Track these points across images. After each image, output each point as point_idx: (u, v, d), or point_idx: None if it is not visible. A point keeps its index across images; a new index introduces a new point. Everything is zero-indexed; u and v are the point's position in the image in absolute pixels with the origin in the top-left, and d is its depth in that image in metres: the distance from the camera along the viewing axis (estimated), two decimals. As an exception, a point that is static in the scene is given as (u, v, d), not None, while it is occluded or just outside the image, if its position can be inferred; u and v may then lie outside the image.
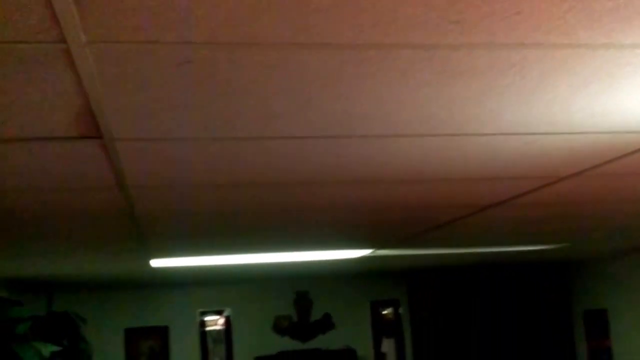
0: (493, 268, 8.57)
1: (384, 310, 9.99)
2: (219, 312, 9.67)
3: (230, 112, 1.92)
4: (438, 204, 3.73)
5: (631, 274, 7.64)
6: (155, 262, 5.91)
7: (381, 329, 9.91)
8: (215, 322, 9.68)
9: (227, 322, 9.63)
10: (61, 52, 1.47)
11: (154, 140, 2.18)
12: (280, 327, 9.66)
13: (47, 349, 6.73)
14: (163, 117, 1.94)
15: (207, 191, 3.02)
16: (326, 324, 9.72)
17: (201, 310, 9.60)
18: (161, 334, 9.42)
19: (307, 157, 2.50)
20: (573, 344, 8.77)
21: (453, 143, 2.42)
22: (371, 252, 6.08)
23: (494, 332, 8.74)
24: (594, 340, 8.37)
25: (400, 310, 9.76)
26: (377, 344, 9.85)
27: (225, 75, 1.65)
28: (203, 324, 9.63)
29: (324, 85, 1.75)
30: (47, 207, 3.18)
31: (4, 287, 7.62)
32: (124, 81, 1.64)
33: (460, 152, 2.55)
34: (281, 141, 2.27)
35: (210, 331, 9.66)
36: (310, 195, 3.28)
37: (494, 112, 2.06)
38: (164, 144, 2.24)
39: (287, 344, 9.57)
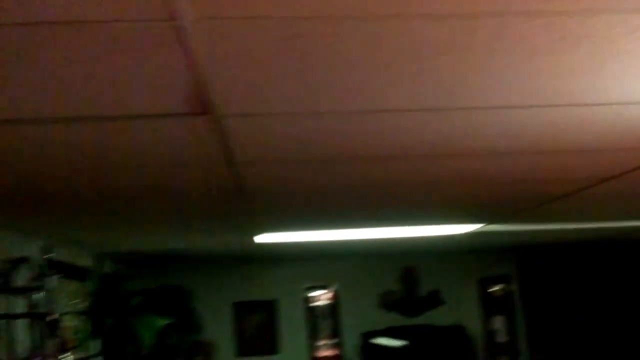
0: (607, 244, 8.33)
1: (492, 287, 9.84)
2: (324, 288, 9.72)
3: (339, 85, 1.89)
4: (552, 177, 3.63)
5: None
6: (259, 238, 5.95)
7: (490, 306, 9.78)
8: (321, 297, 9.74)
9: (335, 297, 9.68)
10: (172, 30, 1.47)
11: (263, 115, 2.18)
12: (388, 303, 9.64)
13: (160, 322, 6.91)
14: (272, 92, 1.93)
15: (316, 166, 3.01)
16: (434, 300, 9.65)
17: (307, 285, 9.67)
18: (268, 308, 9.53)
19: (417, 130, 2.45)
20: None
21: (570, 113, 2.33)
22: (481, 227, 5.99)
23: (610, 309, 8.51)
24: None
25: (512, 287, 9.60)
26: (486, 321, 9.72)
27: (334, 49, 1.63)
28: (309, 299, 9.70)
29: (434, 56, 1.71)
30: (157, 183, 3.24)
31: (116, 261, 7.84)
32: (233, 57, 1.63)
33: (577, 122, 2.46)
34: (390, 114, 2.23)
35: (317, 306, 9.72)
36: (420, 169, 3.23)
37: (614, 80, 1.97)
38: (273, 119, 2.24)
39: (395, 319, 9.55)
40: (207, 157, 2.73)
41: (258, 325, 9.52)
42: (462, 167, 3.20)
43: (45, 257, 5.38)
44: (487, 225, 5.86)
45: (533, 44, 1.66)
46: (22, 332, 5.01)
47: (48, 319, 5.23)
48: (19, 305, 4.99)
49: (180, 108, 2.05)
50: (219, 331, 9.31)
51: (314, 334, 9.65)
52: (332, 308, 9.69)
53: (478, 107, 2.19)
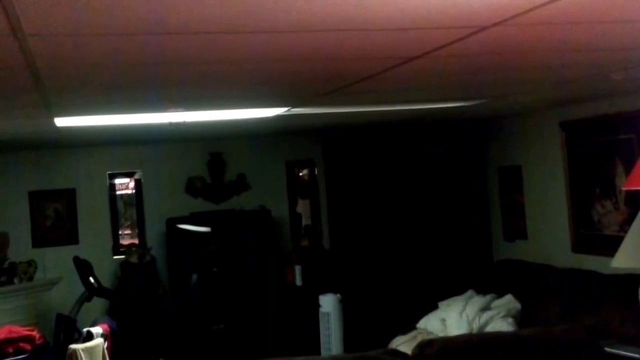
0: (411, 125, 8.54)
1: (300, 171, 9.93)
2: (129, 175, 9.46)
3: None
4: (356, 56, 3.58)
5: (544, 131, 7.72)
6: (61, 121, 5.63)
7: (297, 189, 9.88)
8: (126, 185, 9.49)
9: (138, 185, 9.45)
10: None
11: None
12: (194, 189, 9.54)
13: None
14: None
15: (111, 40, 2.78)
16: (241, 185, 9.63)
17: (110, 172, 9.37)
18: (68, 196, 9.17)
19: (213, 2, 2.27)
20: (487, 199, 8.92)
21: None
22: (287, 111, 5.93)
23: (411, 189, 8.79)
24: (508, 194, 8.52)
25: (316, 171, 9.71)
26: (292, 205, 9.84)
27: None
28: (113, 187, 9.42)
29: None
30: None
31: None
32: None
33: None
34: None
35: (120, 194, 9.47)
36: (222, 46, 3.07)
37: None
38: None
39: (201, 205, 9.48)
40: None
41: (56, 215, 9.17)
42: (265, 44, 3.07)
43: None
44: (292, 108, 5.81)
45: None
46: None
47: None
48: None
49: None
50: (14, 222, 8.89)
51: (117, 223, 9.42)
52: (137, 195, 9.46)
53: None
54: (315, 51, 3.32)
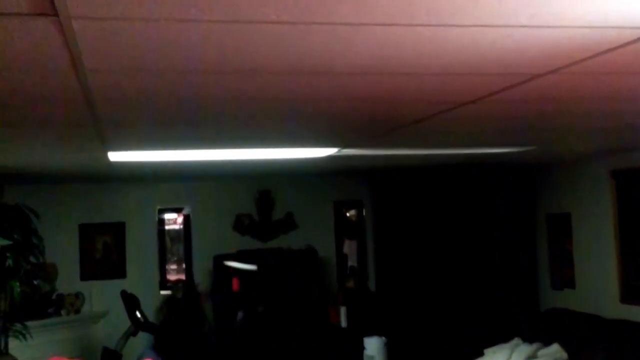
0: (458, 169, 8.52)
1: (347, 211, 9.94)
2: (177, 210, 9.55)
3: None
4: (408, 100, 3.60)
5: (594, 179, 7.64)
6: (114, 156, 5.72)
7: (344, 230, 9.88)
8: (174, 220, 9.58)
9: (186, 220, 9.53)
10: None
11: (113, 19, 2.00)
12: (241, 226, 9.59)
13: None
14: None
15: (168, 78, 2.84)
16: (288, 224, 9.66)
17: (160, 207, 9.47)
18: (117, 230, 9.28)
19: (275, 44, 2.32)
20: (535, 246, 8.82)
21: (427, 34, 2.26)
22: (337, 152, 5.96)
23: (458, 233, 8.74)
24: (556, 242, 8.42)
25: (364, 212, 9.71)
26: (339, 245, 9.83)
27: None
28: (162, 222, 9.51)
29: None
30: (-3, 91, 2.99)
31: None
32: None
33: (433, 44, 2.40)
34: (246, 26, 2.09)
35: (168, 230, 9.56)
36: (276, 87, 3.12)
37: (472, 1, 1.91)
38: (123, 24, 2.06)
39: (248, 243, 9.52)
40: (51, 63, 2.52)
41: (105, 248, 9.27)
42: (319, 86, 3.11)
43: None
44: (342, 149, 5.83)
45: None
46: None
47: None
48: None
49: (22, 7, 1.85)
50: (64, 254, 8.99)
51: (164, 257, 9.50)
52: (185, 231, 9.54)
53: (332, 23, 2.09)
54: (371, 93, 3.35)
